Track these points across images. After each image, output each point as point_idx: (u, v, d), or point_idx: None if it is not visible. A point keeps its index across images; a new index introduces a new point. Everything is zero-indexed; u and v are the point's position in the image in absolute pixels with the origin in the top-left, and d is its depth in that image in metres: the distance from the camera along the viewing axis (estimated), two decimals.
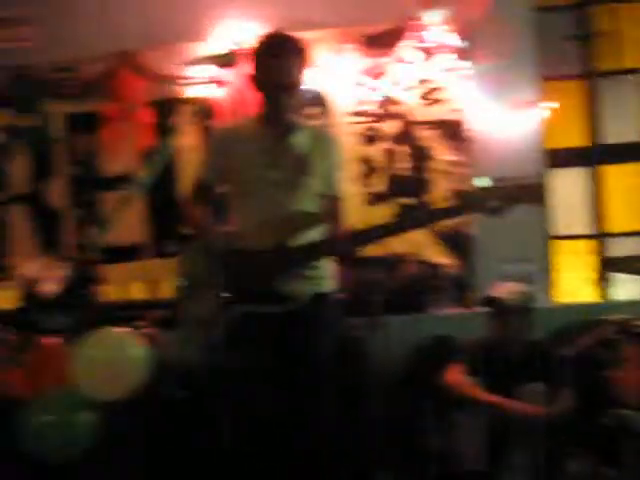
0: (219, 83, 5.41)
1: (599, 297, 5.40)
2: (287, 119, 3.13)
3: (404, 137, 5.37)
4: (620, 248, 5.49)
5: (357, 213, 5.10)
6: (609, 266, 5.40)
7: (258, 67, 3.10)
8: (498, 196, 2.99)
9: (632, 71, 5.62)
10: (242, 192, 3.15)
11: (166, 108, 5.50)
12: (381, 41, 5.27)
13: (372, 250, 4.71)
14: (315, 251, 3.08)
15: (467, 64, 5.22)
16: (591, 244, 5.56)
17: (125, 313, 4.90)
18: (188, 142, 5.45)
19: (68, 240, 5.59)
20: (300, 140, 3.15)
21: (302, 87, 3.11)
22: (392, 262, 5.03)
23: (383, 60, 5.30)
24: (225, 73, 5.38)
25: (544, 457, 3.84)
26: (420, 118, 5.35)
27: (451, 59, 5.24)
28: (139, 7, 5.47)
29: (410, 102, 5.35)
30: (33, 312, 4.75)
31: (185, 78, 5.42)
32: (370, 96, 5.37)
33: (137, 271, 5.45)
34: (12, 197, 5.67)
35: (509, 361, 3.97)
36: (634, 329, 4.10)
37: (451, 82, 5.28)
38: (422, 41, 5.26)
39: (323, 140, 3.24)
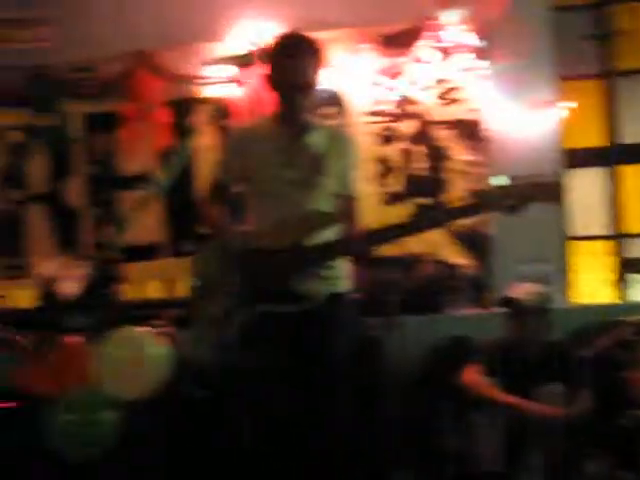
0: (236, 83, 5.41)
1: (617, 298, 5.38)
2: (302, 119, 3.12)
3: (421, 137, 5.36)
4: (638, 249, 5.47)
5: (374, 213, 5.09)
6: (627, 267, 5.38)
7: (273, 67, 3.10)
8: (515, 194, 2.97)
9: None
10: (258, 192, 3.16)
11: (183, 108, 5.52)
12: (398, 41, 5.26)
13: (389, 250, 4.73)
14: (330, 251, 3.08)
15: (485, 64, 5.20)
16: (609, 245, 5.54)
17: (143, 312, 4.91)
18: (205, 142, 5.46)
19: (86, 239, 5.61)
20: (316, 140, 3.15)
21: (318, 87, 3.11)
22: (409, 262, 5.02)
23: (400, 60, 5.29)
24: (242, 73, 5.39)
25: (562, 458, 3.83)
26: (437, 118, 5.33)
27: (469, 59, 5.23)
28: (156, 7, 5.48)
29: (427, 102, 5.34)
30: (55, 311, 4.76)
31: (202, 78, 5.43)
32: (387, 96, 5.37)
33: (154, 270, 5.47)
34: (30, 196, 5.69)
35: (527, 362, 3.95)
36: None
37: (469, 82, 5.27)
38: (440, 41, 5.25)
39: (339, 140, 3.23)
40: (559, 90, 5.30)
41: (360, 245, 3.07)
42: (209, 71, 5.42)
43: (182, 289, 5.21)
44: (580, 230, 5.44)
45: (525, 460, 3.85)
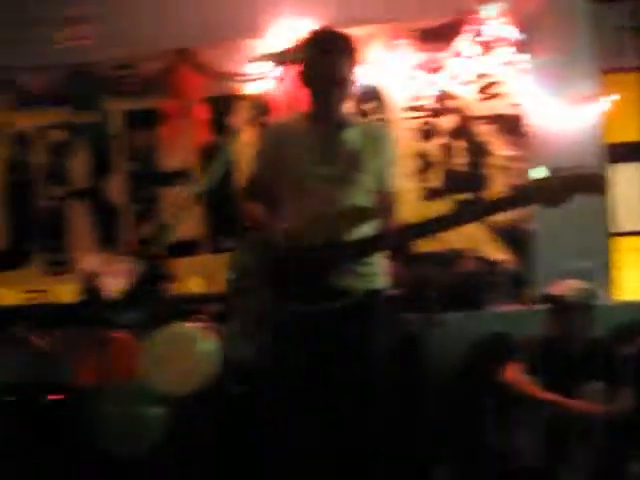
0: (276, 80, 5.42)
1: None
2: (338, 115, 3.12)
3: (461, 132, 5.34)
4: None
5: (413, 209, 5.06)
6: None
7: (308, 63, 3.09)
8: (556, 186, 2.92)
9: None
10: (294, 188, 3.15)
11: (224, 105, 5.54)
12: (438, 35, 5.25)
13: (429, 246, 4.74)
14: (368, 246, 3.07)
15: (525, 57, 5.17)
16: None
17: (188, 307, 4.94)
18: (245, 138, 5.47)
19: (126, 235, 5.66)
20: (352, 136, 3.14)
21: (357, 83, 3.10)
22: (449, 258, 5.01)
23: (440, 54, 5.27)
24: (282, 70, 5.39)
25: (603, 456, 3.80)
26: (477, 113, 5.31)
27: (509, 53, 5.20)
28: (197, 4, 5.50)
29: (467, 96, 5.31)
30: (100, 307, 4.81)
31: (243, 75, 5.45)
32: (427, 91, 5.35)
33: (195, 266, 5.50)
34: (72, 193, 5.75)
35: (569, 359, 3.93)
36: None
37: (509, 76, 5.24)
38: (480, 35, 5.22)
39: (376, 136, 3.22)
40: (599, 84, 5.24)
41: (398, 240, 3.06)
42: (249, 68, 5.44)
43: (223, 285, 5.23)
44: (623, 226, 5.39)
45: (567, 458, 3.82)
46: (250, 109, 5.48)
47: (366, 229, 3.08)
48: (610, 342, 4.18)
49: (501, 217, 4.96)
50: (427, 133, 5.37)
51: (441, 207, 5.22)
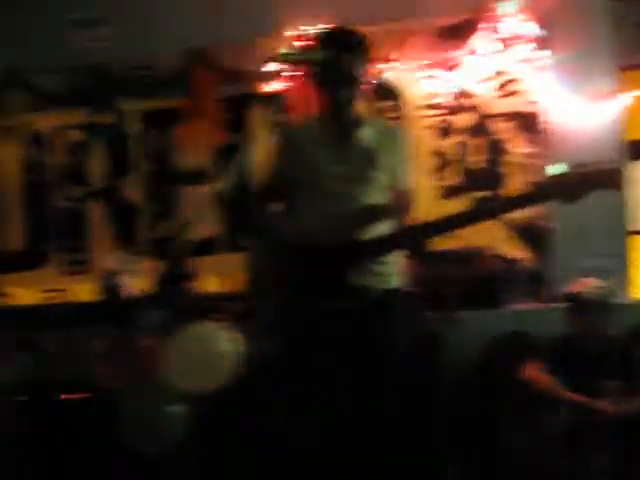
0: (292, 79, 5.42)
1: None
2: (351, 114, 3.12)
3: (479, 130, 5.31)
4: None
5: (431, 207, 5.05)
6: None
7: (322, 62, 3.09)
8: (574, 182, 2.89)
9: None
10: (310, 188, 3.15)
11: (241, 104, 5.54)
12: (456, 33, 5.22)
13: (447, 244, 4.72)
14: (385, 245, 3.06)
15: (544, 54, 5.13)
16: None
17: (207, 306, 4.95)
18: (261, 138, 5.48)
19: (145, 235, 5.68)
20: (366, 134, 3.13)
21: (372, 81, 3.09)
22: (467, 256, 4.98)
23: (457, 52, 5.25)
24: (298, 69, 5.38)
25: (622, 455, 3.78)
26: (495, 110, 5.28)
27: (527, 49, 5.16)
28: (213, 4, 5.50)
29: (485, 94, 5.28)
30: (127, 306, 4.83)
31: (259, 74, 5.45)
32: (444, 89, 5.33)
33: (213, 265, 5.50)
34: (90, 193, 5.78)
35: (587, 357, 3.91)
36: None
37: (527, 73, 5.20)
38: (497, 31, 5.19)
39: (390, 134, 3.22)
40: (618, 80, 5.21)
41: (414, 238, 3.05)
42: (266, 67, 5.43)
43: (240, 284, 5.24)
44: None
45: (587, 457, 3.80)
46: (267, 109, 5.48)
47: (382, 228, 3.08)
48: (628, 340, 4.16)
49: (519, 215, 4.94)
50: (444, 131, 5.35)
51: (459, 205, 5.19)
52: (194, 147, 5.58)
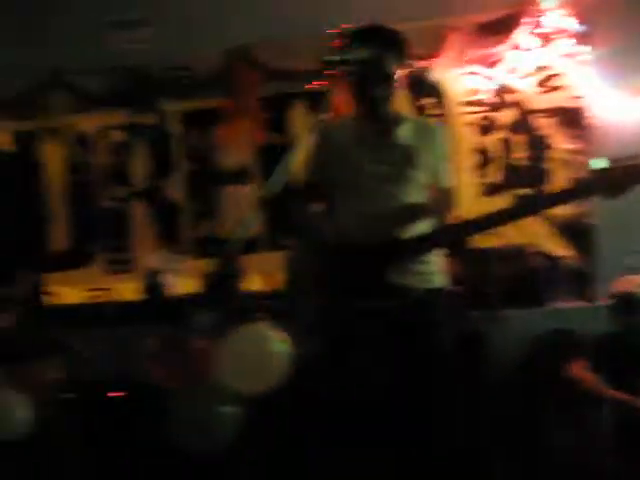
0: (334, 78, 5.40)
1: None
2: (388, 112, 3.11)
3: (521, 126, 5.27)
4: None
5: (473, 204, 5.04)
6: None
7: (358, 60, 3.07)
8: (616, 177, 2.86)
9: None
10: (349, 187, 3.15)
11: (282, 103, 5.55)
12: (497, 28, 5.17)
13: (490, 242, 4.70)
14: (425, 243, 3.05)
15: (586, 49, 5.08)
16: None
17: (253, 305, 4.97)
18: (302, 137, 5.47)
19: (187, 234, 5.72)
20: (404, 132, 3.12)
21: (410, 78, 3.08)
22: (510, 254, 4.95)
23: (499, 48, 5.21)
24: (339, 68, 5.36)
25: None
26: (537, 106, 5.23)
27: (569, 44, 5.11)
28: (253, 3, 5.52)
29: (527, 90, 5.24)
30: (176, 306, 4.87)
31: (301, 73, 5.44)
32: (485, 85, 5.29)
33: (256, 263, 5.52)
34: (133, 193, 5.83)
35: (632, 356, 3.87)
36: None
37: (569, 68, 5.15)
38: (539, 26, 5.14)
39: (429, 131, 3.20)
40: None
41: (455, 236, 3.04)
42: (308, 66, 5.42)
43: (281, 283, 5.24)
44: None
45: (632, 455, 3.77)
46: (309, 108, 5.48)
47: (422, 226, 3.07)
48: None
49: (562, 212, 4.92)
50: (486, 128, 5.31)
51: (501, 202, 5.14)
52: (235, 147, 5.60)
